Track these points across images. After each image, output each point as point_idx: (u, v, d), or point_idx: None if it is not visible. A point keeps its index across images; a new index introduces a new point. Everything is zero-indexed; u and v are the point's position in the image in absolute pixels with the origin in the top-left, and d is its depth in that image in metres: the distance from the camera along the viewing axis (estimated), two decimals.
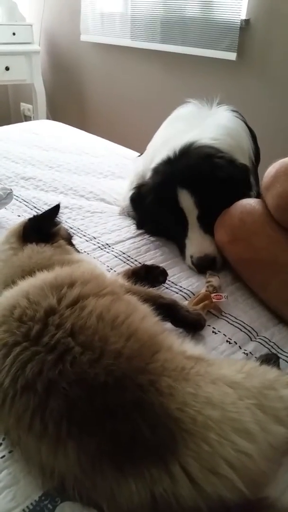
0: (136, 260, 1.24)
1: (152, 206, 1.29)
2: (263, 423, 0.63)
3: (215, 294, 1.05)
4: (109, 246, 1.31)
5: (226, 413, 0.62)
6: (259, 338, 0.98)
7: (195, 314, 0.96)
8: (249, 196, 1.22)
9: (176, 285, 1.14)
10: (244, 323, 1.02)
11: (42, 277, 0.81)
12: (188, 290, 1.12)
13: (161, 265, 1.17)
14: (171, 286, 1.14)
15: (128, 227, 1.42)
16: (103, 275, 0.90)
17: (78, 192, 1.66)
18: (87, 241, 1.34)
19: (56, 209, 1.01)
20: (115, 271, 1.18)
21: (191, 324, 0.96)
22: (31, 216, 1.06)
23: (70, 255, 0.98)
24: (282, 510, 0.61)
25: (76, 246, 1.13)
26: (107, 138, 2.33)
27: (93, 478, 0.60)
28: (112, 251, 1.29)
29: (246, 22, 2.25)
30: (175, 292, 1.12)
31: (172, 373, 0.66)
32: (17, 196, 1.59)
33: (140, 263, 1.21)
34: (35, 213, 1.43)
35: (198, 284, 1.14)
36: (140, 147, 1.96)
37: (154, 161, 1.35)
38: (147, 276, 1.09)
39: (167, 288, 1.13)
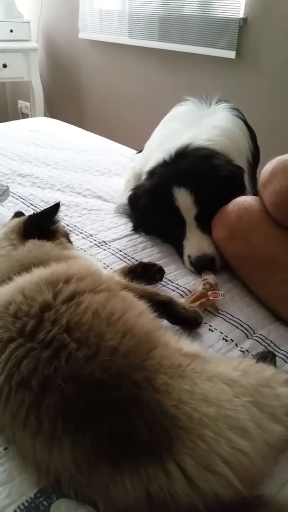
0: (133, 258, 1.23)
1: (148, 207, 1.28)
2: (259, 421, 0.63)
3: (212, 292, 1.05)
4: (106, 244, 1.31)
5: (222, 411, 0.61)
6: (256, 336, 0.98)
7: (192, 311, 0.96)
8: None
9: (173, 283, 1.14)
10: (241, 321, 1.02)
11: (38, 273, 0.81)
12: (185, 288, 1.12)
13: (158, 262, 1.17)
14: (168, 284, 1.13)
15: (125, 225, 1.42)
16: (99, 272, 0.90)
17: (75, 189, 1.65)
18: (83, 238, 1.33)
19: (56, 207, 1.01)
20: (111, 268, 1.17)
21: (187, 321, 0.96)
22: (25, 212, 1.06)
23: (68, 251, 0.98)
24: (278, 508, 0.61)
25: (73, 243, 1.13)
26: (104, 135, 2.32)
27: (89, 475, 0.60)
28: (109, 248, 1.28)
29: (245, 20, 2.24)
30: (172, 290, 1.11)
31: (168, 370, 0.65)
32: (13, 193, 1.59)
33: (137, 260, 1.21)
34: (32, 210, 1.44)
35: (194, 282, 1.14)
36: (137, 144, 1.96)
37: (149, 162, 1.34)
38: (143, 273, 1.08)
39: (164, 286, 1.13)
